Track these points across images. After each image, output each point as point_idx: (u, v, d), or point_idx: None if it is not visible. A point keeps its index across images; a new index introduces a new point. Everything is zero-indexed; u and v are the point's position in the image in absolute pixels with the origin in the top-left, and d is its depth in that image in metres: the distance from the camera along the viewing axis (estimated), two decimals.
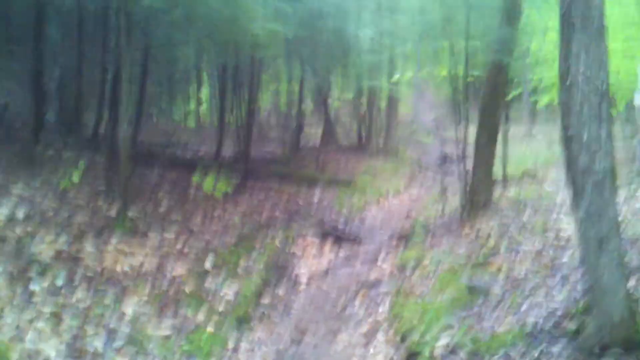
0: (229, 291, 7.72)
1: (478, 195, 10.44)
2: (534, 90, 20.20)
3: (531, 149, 19.66)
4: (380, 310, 7.59)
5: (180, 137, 17.83)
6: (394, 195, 16.01)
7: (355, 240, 11.37)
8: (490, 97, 10.56)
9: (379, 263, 10.07)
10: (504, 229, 9.44)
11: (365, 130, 20.86)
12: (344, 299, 8.40)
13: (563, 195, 11.48)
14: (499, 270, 7.34)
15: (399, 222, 12.80)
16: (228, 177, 12.94)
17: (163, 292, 7.13)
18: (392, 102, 20.96)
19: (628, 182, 10.81)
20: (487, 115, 10.59)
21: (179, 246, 8.65)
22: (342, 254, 10.80)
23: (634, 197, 10.08)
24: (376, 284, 8.61)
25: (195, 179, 8.24)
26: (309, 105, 25.69)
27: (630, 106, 17.89)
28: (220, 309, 7.26)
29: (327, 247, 10.95)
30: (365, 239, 11.46)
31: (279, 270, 9.40)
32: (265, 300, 8.11)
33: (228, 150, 15.10)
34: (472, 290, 6.73)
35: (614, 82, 12.17)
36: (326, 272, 9.69)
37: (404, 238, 10.97)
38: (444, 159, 21.99)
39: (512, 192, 12.06)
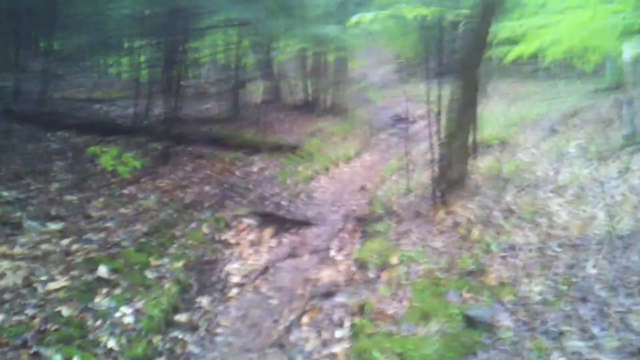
0: (128, 311, 5.38)
1: (452, 169, 8.30)
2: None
3: (490, 110, 17.68)
4: (338, 335, 5.39)
5: (111, 94, 15.14)
6: (345, 162, 13.82)
7: (302, 222, 9.12)
8: (473, 47, 8.33)
9: (332, 254, 7.87)
10: (486, 214, 7.36)
11: (312, 88, 18.44)
12: (287, 312, 6.18)
13: (543, 168, 9.50)
14: (501, 285, 5.22)
15: (354, 197, 10.61)
16: (149, 144, 10.49)
17: (23, 323, 4.73)
18: (342, 55, 18.53)
19: (619, 151, 8.86)
20: (467, 70, 8.38)
21: (64, 243, 6.22)
22: (286, 240, 8.55)
23: (630, 170, 8.14)
24: (330, 292, 6.39)
25: (92, 150, 5.82)
26: (251, 59, 23.08)
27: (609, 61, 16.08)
28: (111, 343, 4.92)
29: (268, 232, 8.68)
30: (314, 220, 9.22)
31: (205, 269, 7.09)
32: (182, 317, 5.80)
33: (158, 111, 12.58)
34: (471, 322, 4.57)
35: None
36: (266, 269, 7.43)
37: (362, 221, 8.78)
38: (397, 120, 19.91)
39: (485, 163, 10.00)
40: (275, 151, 12.53)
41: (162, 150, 9.94)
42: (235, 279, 7.04)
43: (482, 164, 9.85)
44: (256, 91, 20.06)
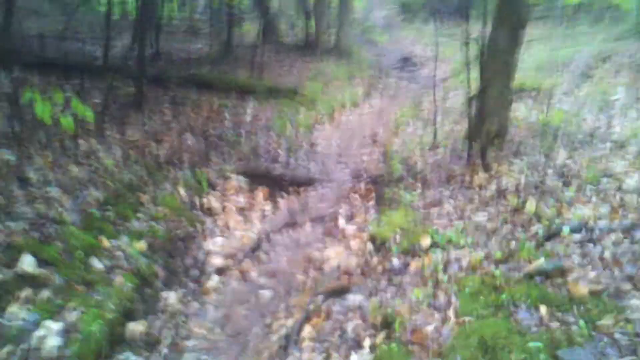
0: (54, 327, 3.61)
1: (489, 120, 6.43)
2: None
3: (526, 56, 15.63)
4: None
5: (90, 31, 13.10)
6: (351, 108, 11.90)
7: (302, 181, 7.31)
8: None
9: (340, 224, 6.10)
10: (538, 177, 5.54)
11: (313, 26, 16.29)
12: (283, 312, 4.44)
13: (592, 119, 7.65)
14: (595, 298, 3.41)
15: (364, 149, 8.76)
16: (123, 88, 8.58)
17: None
18: None
19: None
20: (509, 7, 6.44)
21: None
22: (283, 204, 6.77)
23: None
24: (341, 287, 4.62)
25: (27, 96, 3.99)
26: None
27: None
28: None
29: (261, 193, 6.87)
30: (317, 178, 7.41)
31: (177, 248, 5.31)
32: (137, 328, 4.02)
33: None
34: None
35: None
36: (257, 244, 5.66)
37: (377, 182, 6.97)
38: (405, 63, 17.87)
39: (521, 112, 8.14)
40: (272, 96, 10.59)
41: (135, 94, 8.02)
42: (216, 261, 5.27)
43: (519, 113, 7.97)
44: (252, 30, 17.97)
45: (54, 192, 5.18)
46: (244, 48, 14.48)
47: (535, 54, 14.38)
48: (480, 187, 5.73)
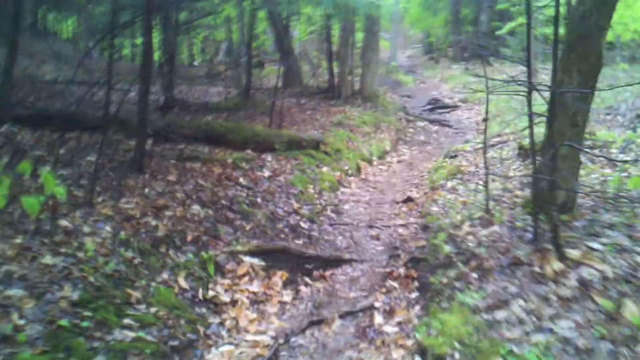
0: None
1: (557, 188, 5.15)
2: None
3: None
4: None
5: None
6: (379, 160, 10.74)
7: (329, 259, 6.07)
8: (591, 12, 5.13)
9: (378, 322, 4.82)
10: (629, 269, 4.25)
11: (338, 69, 15.22)
12: None
13: None
14: None
15: (397, 216, 7.51)
16: (123, 143, 7.52)
17: None
18: (371, 32, 15.27)
19: None
20: (582, 49, 5.23)
21: None
22: (306, 292, 5.52)
23: None
24: None
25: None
26: (269, 37, 19.93)
27: None
28: None
29: (279, 277, 5.63)
30: (346, 256, 6.17)
31: None
32: None
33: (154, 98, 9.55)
34: None
35: None
36: (274, 356, 4.40)
37: (419, 262, 5.68)
38: (435, 106, 16.70)
39: (582, 174, 6.84)
40: (293, 147, 9.45)
41: (135, 152, 6.88)
42: None
43: (584, 173, 6.69)
44: (273, 73, 17.01)
45: (15, 292, 3.99)
46: (264, 92, 13.48)
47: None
48: (556, 280, 4.43)
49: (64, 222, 5.12)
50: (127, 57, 20.99)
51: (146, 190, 6.39)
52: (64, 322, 3.85)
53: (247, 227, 6.28)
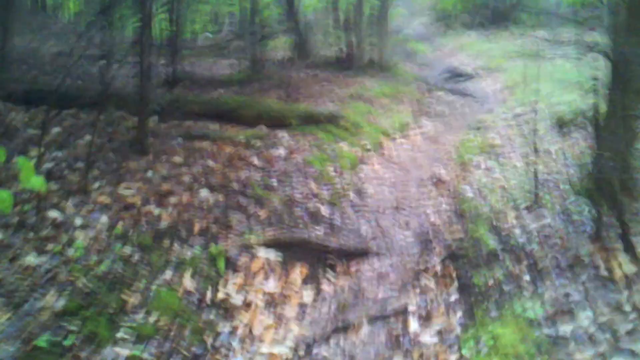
0: None
1: (625, 171, 4.38)
2: None
3: None
4: None
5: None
6: (401, 134, 9.91)
7: (353, 251, 5.35)
8: None
9: (413, 334, 4.11)
10: None
11: (351, 39, 14.28)
12: None
13: None
14: None
15: (427, 194, 6.77)
16: (123, 121, 6.80)
17: None
18: (385, 3, 14.30)
19: None
20: None
21: None
22: (329, 290, 4.81)
23: None
24: None
25: None
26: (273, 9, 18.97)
27: None
28: None
29: (298, 273, 4.92)
30: (372, 246, 5.45)
31: None
32: None
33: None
34: None
35: None
36: None
37: (456, 259, 4.94)
38: (453, 75, 15.77)
39: None
40: (310, 122, 8.67)
41: (138, 132, 6.15)
42: None
43: None
44: (282, 45, 16.11)
45: None
46: (275, 65, 12.65)
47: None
48: (629, 285, 3.69)
49: (52, 214, 4.43)
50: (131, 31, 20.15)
51: (149, 173, 5.67)
52: (42, 340, 3.17)
53: (262, 214, 5.55)
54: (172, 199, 5.26)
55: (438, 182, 7.20)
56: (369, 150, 8.54)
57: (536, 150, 5.30)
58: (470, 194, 6.18)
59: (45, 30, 15.03)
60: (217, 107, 8.21)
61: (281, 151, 7.40)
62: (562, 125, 7.08)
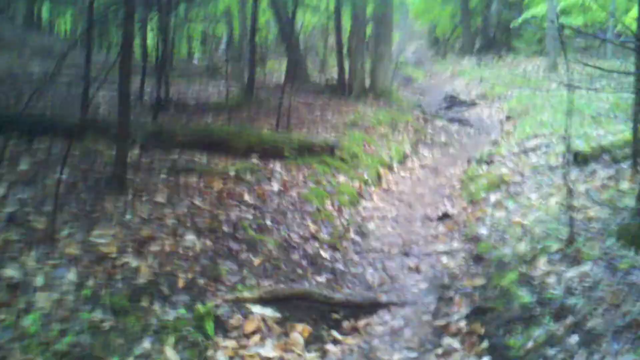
0: None
1: None
2: None
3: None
4: None
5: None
6: (400, 164, 9.34)
7: (361, 306, 4.66)
8: None
9: None
10: None
11: (347, 65, 13.74)
12: None
13: None
14: None
15: (436, 238, 6.13)
16: (102, 152, 6.14)
17: None
18: (384, 22, 13.78)
19: None
20: None
21: None
22: (335, 355, 4.09)
23: None
24: None
25: None
26: (271, 31, 18.50)
27: None
28: None
29: (299, 337, 4.20)
30: (383, 298, 4.77)
31: None
32: None
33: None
34: None
35: None
36: None
37: (482, 314, 4.25)
38: (451, 102, 15.26)
39: None
40: (305, 153, 8.04)
41: (116, 167, 5.46)
42: None
43: None
44: (277, 68, 15.58)
45: None
46: (268, 90, 12.05)
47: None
48: None
49: (8, 272, 3.71)
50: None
51: (127, 216, 4.98)
52: None
53: (256, 262, 4.87)
54: (153, 247, 4.56)
55: (445, 218, 6.55)
56: (368, 183, 7.93)
57: (570, 191, 4.64)
58: (484, 233, 5.55)
59: (31, 47, 14.42)
60: (206, 137, 7.56)
61: (275, 186, 6.75)
62: (582, 160, 6.47)
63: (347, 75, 13.52)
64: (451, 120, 12.80)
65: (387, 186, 8.19)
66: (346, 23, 13.83)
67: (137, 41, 13.57)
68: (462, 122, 12.65)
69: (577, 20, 19.16)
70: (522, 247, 4.77)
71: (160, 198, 5.50)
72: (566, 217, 4.69)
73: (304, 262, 5.12)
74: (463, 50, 25.27)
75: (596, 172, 6.07)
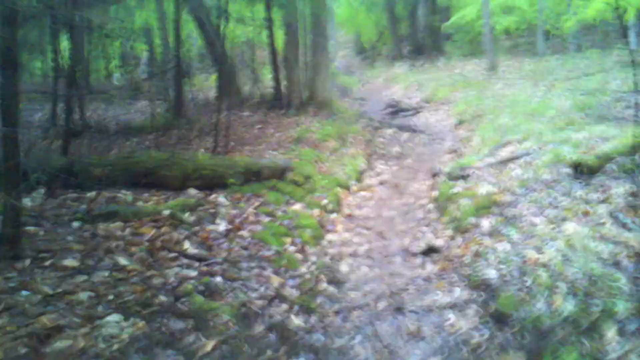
0: None
1: None
2: None
3: (518, 95, 12.17)
4: None
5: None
6: (358, 184, 8.09)
7: None
8: None
9: None
10: None
11: (285, 77, 12.38)
12: None
13: None
14: None
15: (422, 272, 4.89)
16: None
17: None
18: (319, 32, 12.52)
19: None
20: None
21: None
22: None
23: None
24: None
25: None
26: (195, 44, 16.92)
27: None
28: None
29: None
30: None
31: None
32: None
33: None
34: None
35: None
36: None
37: None
38: (395, 110, 14.19)
39: None
40: (252, 179, 6.69)
41: (5, 227, 3.90)
42: None
43: None
44: (205, 85, 14.09)
45: None
46: (198, 108, 10.58)
47: (558, 94, 11.04)
48: None
49: None
50: (36, 74, 17.38)
51: (22, 294, 3.45)
52: None
53: (208, 346, 3.44)
54: (59, 344, 3.07)
55: (431, 253, 5.31)
56: (328, 210, 6.62)
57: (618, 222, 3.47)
58: (494, 277, 4.31)
59: None
60: (130, 167, 6.04)
61: (221, 225, 5.36)
62: (587, 173, 5.39)
63: (283, 88, 12.18)
64: (400, 128, 11.68)
65: (349, 211, 6.90)
66: (278, 33, 12.49)
67: (48, 61, 11.78)
68: (411, 129, 11.57)
69: (507, 21, 18.70)
70: (567, 305, 3.54)
71: (71, 261, 3.98)
72: (611, 254, 3.50)
73: (272, 337, 3.73)
74: (392, 57, 24.52)
75: (609, 188, 4.98)
